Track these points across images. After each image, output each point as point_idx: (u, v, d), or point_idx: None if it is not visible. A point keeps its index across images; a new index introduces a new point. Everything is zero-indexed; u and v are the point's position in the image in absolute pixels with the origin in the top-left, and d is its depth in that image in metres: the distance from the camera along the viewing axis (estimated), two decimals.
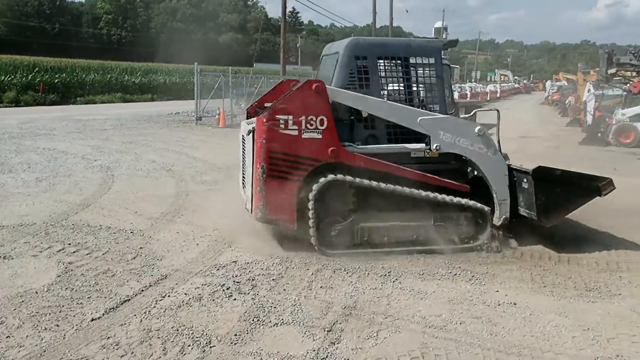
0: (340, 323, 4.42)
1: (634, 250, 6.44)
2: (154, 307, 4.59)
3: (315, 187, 5.81)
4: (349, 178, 5.86)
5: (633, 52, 16.38)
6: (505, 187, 6.23)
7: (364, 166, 5.94)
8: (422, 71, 6.38)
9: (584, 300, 4.99)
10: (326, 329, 4.29)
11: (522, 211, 6.29)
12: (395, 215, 6.04)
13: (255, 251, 6.08)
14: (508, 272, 5.66)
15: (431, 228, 6.11)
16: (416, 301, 4.90)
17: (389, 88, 6.37)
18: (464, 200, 6.12)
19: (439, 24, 60.91)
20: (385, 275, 5.50)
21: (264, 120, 5.71)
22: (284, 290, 5.06)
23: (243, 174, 6.63)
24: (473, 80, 67.51)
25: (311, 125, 5.77)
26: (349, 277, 5.42)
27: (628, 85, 19.15)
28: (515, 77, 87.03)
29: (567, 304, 4.89)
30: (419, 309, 4.74)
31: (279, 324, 4.38)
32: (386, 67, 6.35)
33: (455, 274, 5.57)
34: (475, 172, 6.40)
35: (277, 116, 5.72)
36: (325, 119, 5.79)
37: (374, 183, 5.89)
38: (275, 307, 4.66)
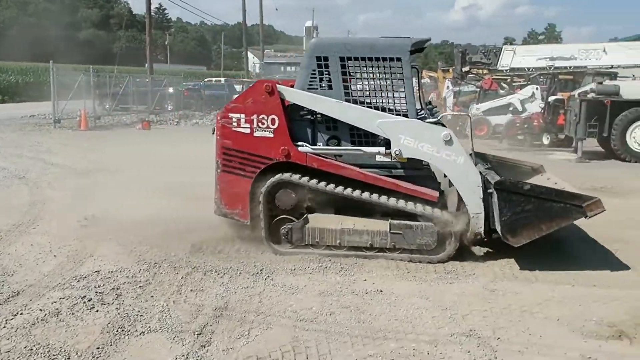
0: (210, 325, 4.34)
1: None
2: (4, 327, 4.22)
3: (265, 184, 5.90)
4: (297, 178, 5.86)
5: (483, 51, 17.76)
6: (478, 199, 5.75)
7: (317, 167, 5.93)
8: (387, 72, 6.04)
9: (443, 282, 5.32)
10: (196, 333, 4.20)
11: (496, 227, 5.69)
12: (350, 219, 5.96)
13: (120, 259, 5.80)
14: (375, 261, 5.88)
15: (389, 235, 5.83)
16: (288, 296, 4.95)
17: (353, 89, 6.20)
18: (420, 209, 5.79)
19: (309, 23, 62.12)
20: (257, 273, 5.49)
21: (219, 118, 6.03)
22: (152, 297, 4.88)
23: None
24: None
25: (263, 124, 5.91)
26: (220, 278, 5.34)
27: (480, 81, 20.81)
28: None
29: (428, 287, 5.19)
30: (291, 303, 4.79)
31: (146, 332, 4.21)
32: (349, 68, 6.11)
33: (326, 267, 5.69)
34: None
35: (230, 114, 5.95)
36: (276, 118, 5.89)
37: (323, 184, 5.86)
38: (141, 315, 4.48)
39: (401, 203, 5.81)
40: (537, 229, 5.58)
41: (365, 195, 5.82)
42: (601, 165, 14.10)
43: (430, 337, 4.18)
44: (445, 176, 6.20)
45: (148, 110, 26.83)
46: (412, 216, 5.84)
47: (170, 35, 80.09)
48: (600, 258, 6.07)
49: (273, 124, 5.91)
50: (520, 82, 26.74)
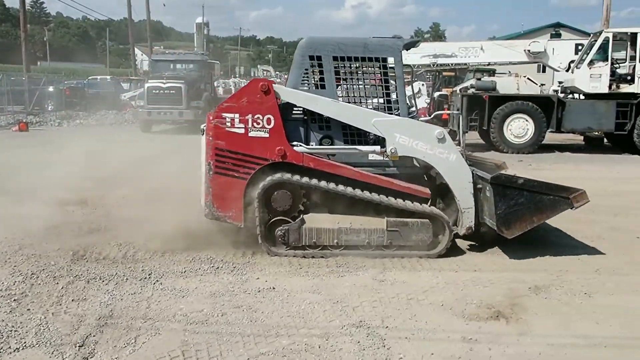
0: (94, 336, 4.11)
1: None
2: None
3: (261, 185, 5.74)
4: (295, 178, 5.77)
5: None
6: (470, 194, 5.95)
7: (314, 167, 5.84)
8: (380, 71, 6.10)
9: (335, 276, 5.40)
10: (77, 345, 3.95)
11: (487, 221, 5.95)
12: (347, 218, 5.90)
13: None
14: (268, 259, 5.86)
15: (385, 232, 5.84)
16: (177, 300, 4.80)
17: (346, 88, 6.17)
18: (418, 206, 5.89)
19: (199, 19, 60.70)
20: (145, 278, 5.28)
21: (211, 118, 5.77)
22: (28, 310, 4.53)
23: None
24: (237, 75, 68.87)
25: (258, 124, 5.75)
26: (105, 286, 5.07)
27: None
28: (277, 72, 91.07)
29: (320, 282, 5.25)
30: (181, 307, 4.64)
31: (21, 348, 3.91)
32: (342, 67, 6.08)
33: (218, 268, 5.59)
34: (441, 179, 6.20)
35: (224, 114, 5.74)
36: (272, 118, 5.76)
37: (321, 184, 5.79)
38: (16, 331, 4.15)
39: (404, 202, 5.86)
40: (529, 221, 5.81)
41: (369, 194, 5.81)
42: (482, 156, 14.96)
43: (322, 331, 4.22)
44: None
45: (25, 111, 25.07)
46: (406, 213, 5.89)
47: (50, 31, 75.18)
48: (479, 244, 6.42)
49: (269, 123, 5.77)
50: (407, 78, 27.89)
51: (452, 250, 6.10)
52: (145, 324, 4.32)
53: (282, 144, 5.80)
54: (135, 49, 48.66)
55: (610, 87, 15.62)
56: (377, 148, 5.98)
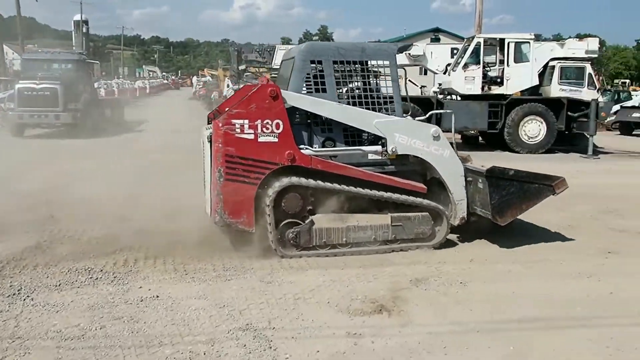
0: None
1: None
2: None
3: (272, 190, 5.78)
4: (305, 181, 5.86)
5: (258, 50, 18.29)
6: (462, 187, 6.37)
7: (322, 169, 5.96)
8: (377, 74, 6.38)
9: (222, 280, 5.32)
10: None
11: (479, 211, 6.36)
12: (353, 216, 6.09)
13: None
14: (152, 266, 5.66)
15: (390, 227, 6.11)
16: (51, 315, 4.48)
17: (345, 91, 6.38)
18: (420, 201, 6.22)
19: (77, 17, 57.40)
20: (14, 294, 4.89)
21: (220, 125, 5.71)
22: None
23: (204, 178, 6.51)
24: (120, 76, 66.02)
25: (267, 129, 5.77)
26: None
27: (257, 80, 21.37)
28: (164, 73, 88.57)
29: (207, 287, 5.15)
30: (54, 323, 4.34)
31: None
32: (342, 71, 6.30)
33: (97, 278, 5.30)
34: (433, 174, 6.47)
35: (233, 120, 5.71)
36: (281, 122, 5.80)
37: (334, 185, 5.94)
38: None
39: (409, 197, 6.18)
40: (518, 209, 6.30)
41: (379, 193, 6.06)
42: None
43: (208, 337, 4.13)
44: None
45: None
46: (407, 208, 6.21)
47: None
48: None
49: (277, 128, 5.80)
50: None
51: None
52: (13, 344, 4.00)
53: (291, 148, 5.88)
54: (5, 46, 45.00)
55: (482, 88, 16.72)
56: (379, 148, 6.28)
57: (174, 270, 5.56)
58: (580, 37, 21.67)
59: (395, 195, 6.15)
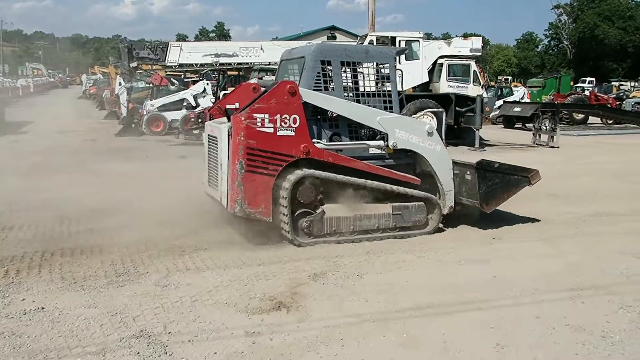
0: None
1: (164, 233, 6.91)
2: None
3: (288, 181, 6.12)
4: (319, 172, 6.24)
5: (150, 47, 17.69)
6: (451, 179, 6.93)
7: (332, 161, 6.35)
8: (378, 74, 6.95)
9: (114, 287, 5.09)
10: None
11: (465, 200, 7.03)
12: (360, 206, 6.51)
13: None
14: (36, 276, 5.31)
15: (391, 216, 6.60)
16: None
17: (350, 89, 6.85)
18: (418, 192, 6.78)
19: None
20: None
21: (242, 119, 5.97)
22: None
23: (210, 172, 6.95)
24: (1, 74, 61.24)
25: (285, 123, 6.08)
26: None
27: (150, 77, 20.69)
28: (50, 71, 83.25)
29: (97, 295, 4.90)
30: None
31: None
32: (348, 71, 6.83)
33: None
34: (423, 167, 7.01)
35: (255, 115, 5.99)
36: (297, 117, 6.14)
37: (347, 178, 6.37)
38: None
39: (409, 189, 6.75)
40: (501, 198, 7.05)
41: (384, 185, 6.59)
42: None
43: (98, 347, 3.94)
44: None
45: None
46: (406, 199, 6.75)
47: None
48: (259, 238, 6.56)
49: (295, 122, 6.13)
50: (193, 77, 27.57)
51: (238, 247, 6.20)
52: None
53: (307, 142, 6.22)
54: None
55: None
56: (381, 143, 6.73)
57: (62, 279, 5.26)
58: (465, 36, 22.89)
59: (398, 187, 6.70)
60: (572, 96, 31.36)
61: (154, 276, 5.36)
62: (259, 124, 6.05)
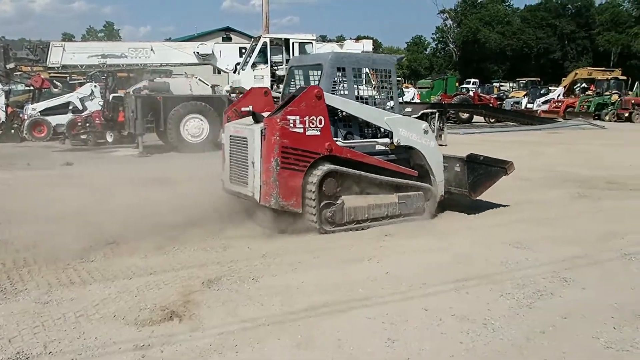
0: None
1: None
2: None
3: (316, 176, 6.85)
4: (341, 168, 7.02)
5: (29, 47, 16.58)
6: (442, 171, 7.88)
7: (350, 157, 7.13)
8: (382, 79, 7.73)
9: None
10: None
11: (453, 189, 8.08)
12: (372, 196, 7.34)
13: None
14: None
15: (397, 205, 7.50)
16: None
17: (359, 93, 7.54)
18: (420, 183, 7.70)
19: None
20: None
21: (278, 120, 6.64)
22: None
23: (233, 170, 7.60)
24: None
25: (312, 124, 6.78)
26: None
27: (32, 78, 19.39)
28: None
29: None
30: None
31: None
32: (358, 76, 7.53)
33: None
34: (416, 161, 7.86)
35: (288, 117, 6.65)
36: (323, 118, 6.85)
37: (364, 173, 7.17)
38: None
39: (412, 181, 7.66)
40: (485, 186, 8.07)
41: (394, 179, 7.48)
42: (161, 158, 15.00)
43: None
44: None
45: None
46: (409, 189, 7.65)
47: None
48: (150, 249, 6.37)
49: (320, 123, 6.82)
50: (80, 79, 26.13)
51: (127, 257, 5.94)
52: None
53: (330, 140, 6.94)
54: None
55: (271, 87, 17.22)
56: (387, 140, 7.49)
57: None
58: (358, 38, 23.52)
59: (405, 180, 7.61)
60: (458, 96, 33.20)
61: (33, 293, 5.00)
62: (292, 125, 6.70)
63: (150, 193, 9.09)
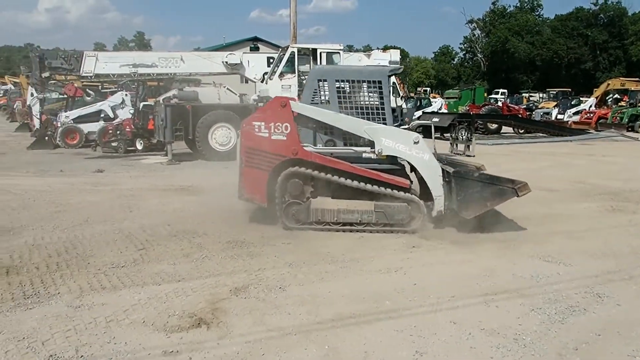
0: None
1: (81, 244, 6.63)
2: None
3: (280, 175, 7.42)
4: (304, 170, 7.41)
5: (63, 56, 16.94)
6: (440, 185, 7.51)
7: (320, 162, 7.44)
8: (370, 91, 7.80)
9: (21, 310, 4.80)
10: None
11: (449, 205, 7.55)
12: (345, 201, 7.49)
13: None
14: None
15: (373, 213, 7.45)
16: None
17: (345, 104, 7.70)
18: (396, 192, 7.47)
19: None
20: None
21: (244, 125, 7.50)
22: None
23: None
24: None
25: (278, 129, 7.37)
26: None
27: (64, 87, 19.82)
28: None
29: (3, 319, 4.60)
30: None
31: None
32: (342, 87, 7.73)
33: None
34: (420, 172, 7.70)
35: (254, 122, 7.43)
36: (289, 125, 7.39)
37: (324, 175, 7.42)
38: None
39: (386, 190, 7.47)
40: (482, 205, 7.27)
41: (357, 183, 7.44)
42: (190, 165, 15.16)
43: None
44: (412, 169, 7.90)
45: None
46: (386, 198, 7.48)
47: None
48: (184, 255, 6.43)
49: (286, 129, 7.37)
50: (111, 88, 26.64)
51: (156, 263, 6.01)
52: None
53: (296, 145, 7.38)
54: None
55: (298, 96, 17.31)
56: (368, 149, 7.55)
57: None
58: (385, 49, 23.51)
59: (378, 187, 7.48)
60: (486, 107, 32.90)
61: (66, 297, 5.10)
62: (257, 130, 7.39)
63: (177, 200, 9.19)
